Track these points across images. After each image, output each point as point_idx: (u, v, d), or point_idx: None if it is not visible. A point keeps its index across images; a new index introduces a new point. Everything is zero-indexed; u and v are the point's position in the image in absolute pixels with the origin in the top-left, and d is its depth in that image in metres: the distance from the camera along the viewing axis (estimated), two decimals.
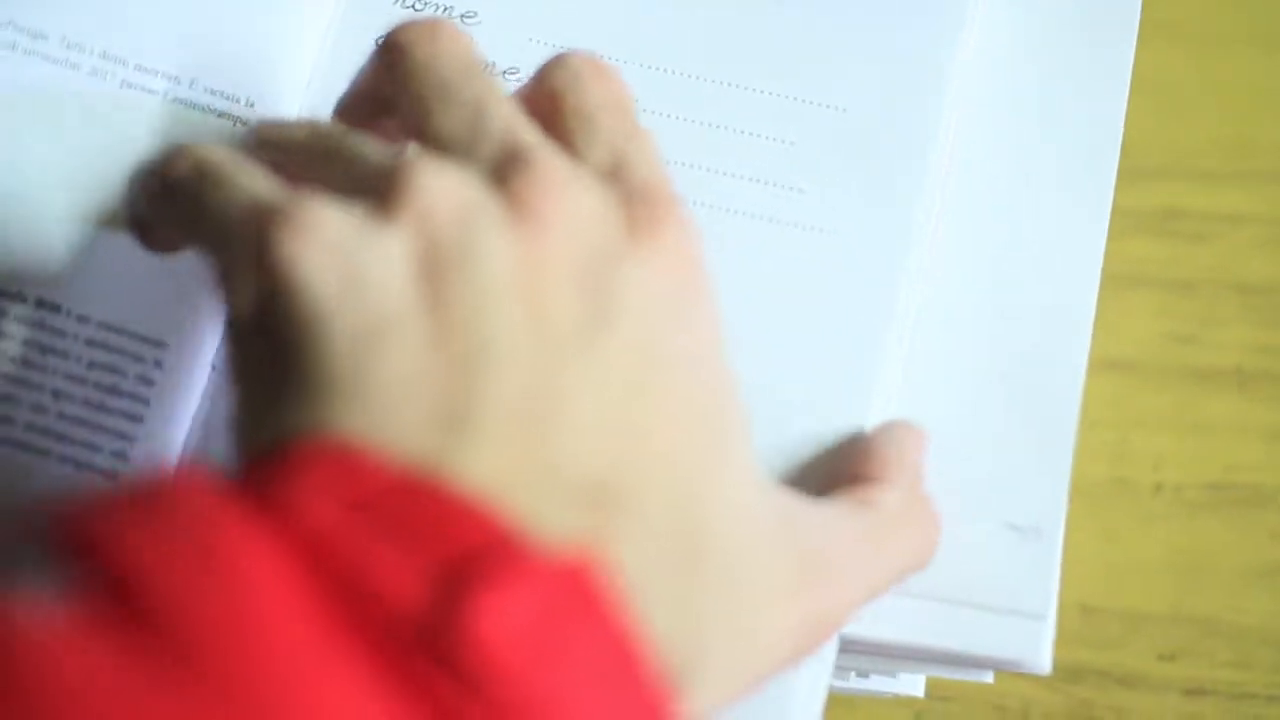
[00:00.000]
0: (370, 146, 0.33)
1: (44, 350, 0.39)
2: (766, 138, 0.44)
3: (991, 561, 0.39)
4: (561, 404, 0.29)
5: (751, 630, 0.32)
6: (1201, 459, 0.52)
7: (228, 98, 0.42)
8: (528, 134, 0.32)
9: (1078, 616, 0.50)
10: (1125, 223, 0.54)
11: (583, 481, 0.29)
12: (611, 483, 0.30)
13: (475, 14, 0.45)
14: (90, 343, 0.39)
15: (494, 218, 0.30)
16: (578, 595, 0.28)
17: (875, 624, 0.38)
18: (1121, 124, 0.46)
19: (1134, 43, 0.47)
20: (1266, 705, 0.49)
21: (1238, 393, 0.53)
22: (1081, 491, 0.48)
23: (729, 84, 0.44)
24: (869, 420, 0.40)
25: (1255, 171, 0.56)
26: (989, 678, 0.41)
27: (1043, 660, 0.38)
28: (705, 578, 0.31)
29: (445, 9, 0.45)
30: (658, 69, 0.44)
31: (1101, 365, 0.51)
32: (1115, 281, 0.52)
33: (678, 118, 0.43)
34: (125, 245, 0.38)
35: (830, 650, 0.38)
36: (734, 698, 0.32)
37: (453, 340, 0.29)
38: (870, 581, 0.35)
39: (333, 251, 0.29)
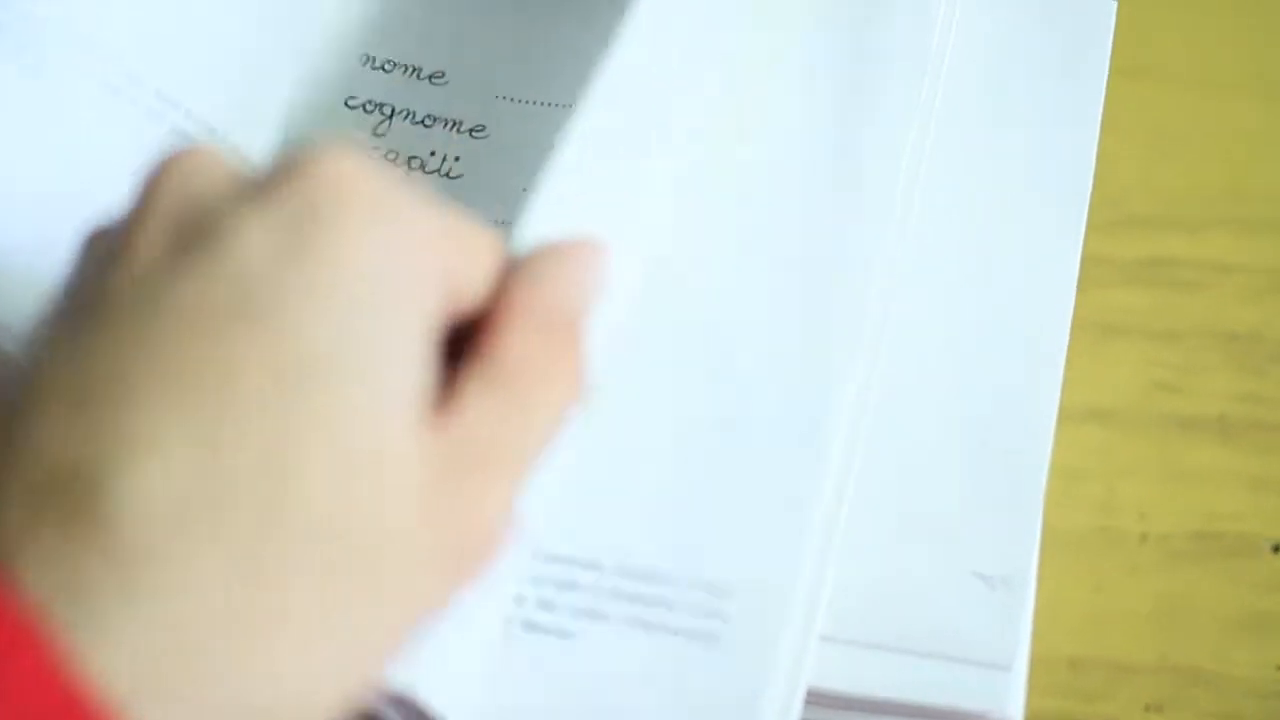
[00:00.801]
0: None
1: None
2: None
3: (959, 612, 0.39)
4: None
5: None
6: (1187, 508, 0.51)
7: None
8: None
9: (1064, 668, 0.49)
10: (1111, 271, 0.54)
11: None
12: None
13: (443, 74, 0.46)
14: None
15: None
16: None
17: (842, 677, 0.38)
18: (1091, 171, 0.47)
19: (1103, 89, 0.47)
20: None
21: (1222, 442, 0.52)
22: (1067, 541, 0.49)
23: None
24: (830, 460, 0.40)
25: (1242, 219, 0.56)
26: None
27: (1011, 712, 0.38)
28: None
29: (413, 70, 0.46)
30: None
31: (1085, 415, 0.52)
32: (1100, 330, 0.53)
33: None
34: None
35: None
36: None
37: None
38: (510, 467, 0.32)
39: None
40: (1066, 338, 0.44)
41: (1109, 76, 0.48)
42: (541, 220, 0.37)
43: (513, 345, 0.32)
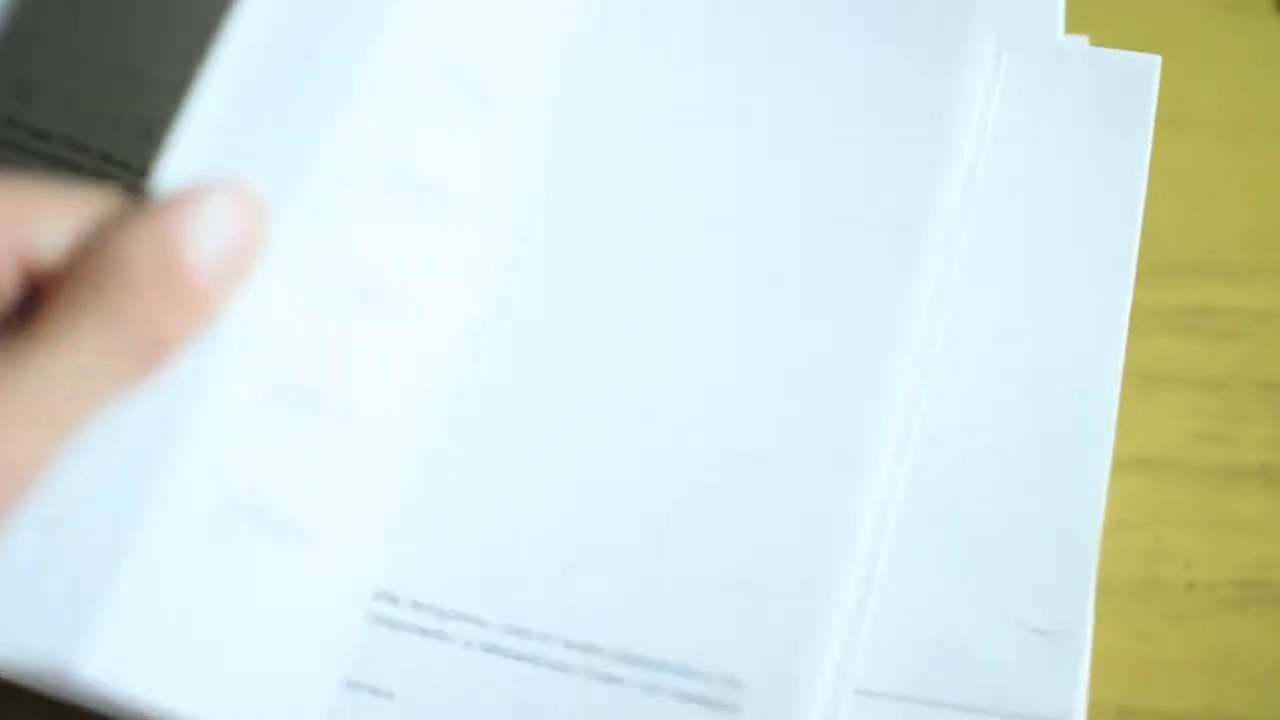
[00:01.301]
0: None
1: None
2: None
3: (1016, 667, 0.39)
4: None
5: None
6: (1232, 557, 0.51)
7: None
8: None
9: (1113, 718, 0.49)
10: (1151, 320, 0.54)
11: None
12: None
13: None
14: None
15: None
16: None
17: None
18: (1139, 220, 0.47)
19: (1150, 137, 0.47)
20: None
21: (1266, 490, 0.52)
22: (1113, 591, 0.48)
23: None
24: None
25: None
26: None
27: None
28: None
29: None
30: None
31: (1129, 464, 0.52)
32: (1142, 379, 0.53)
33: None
34: None
35: None
36: None
37: None
38: (34, 420, 0.32)
39: None
40: (1118, 389, 0.44)
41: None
42: (176, 168, 0.35)
43: (61, 296, 0.32)
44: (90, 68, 0.46)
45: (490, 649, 0.39)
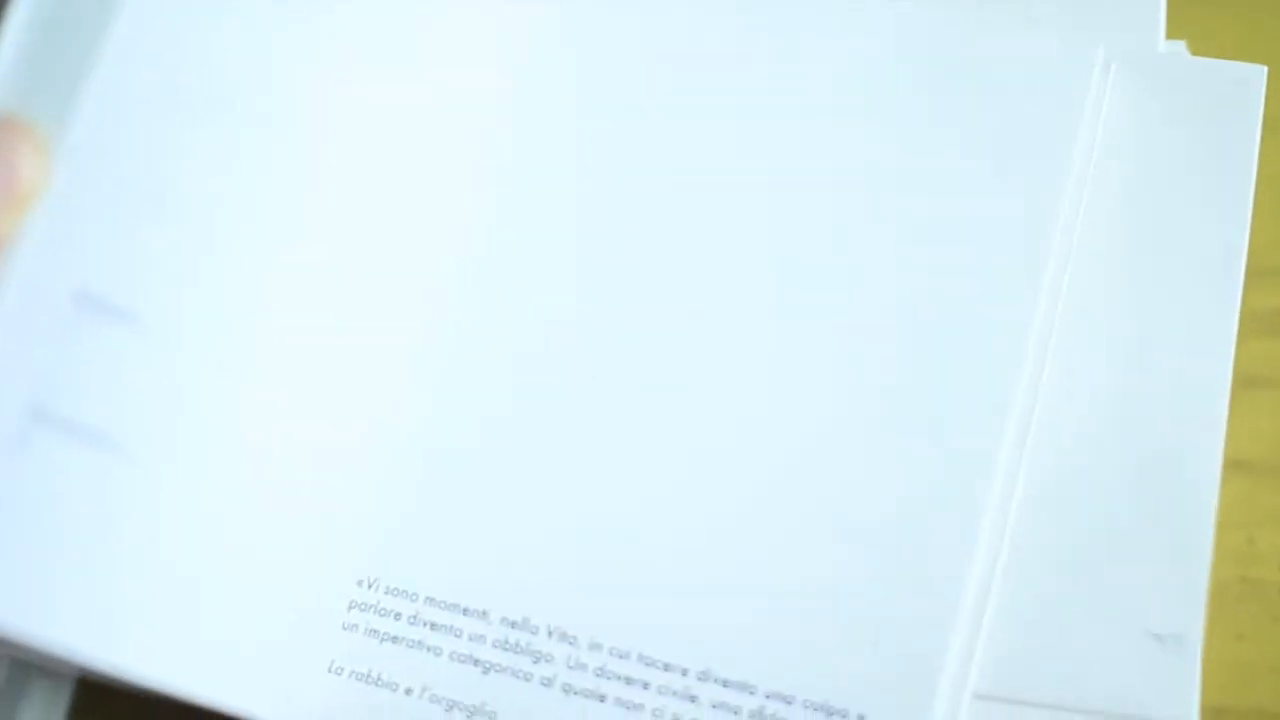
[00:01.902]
0: None
1: None
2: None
3: (1134, 672, 0.40)
4: None
5: None
6: None
7: None
8: None
9: (1211, 718, 0.49)
10: (1250, 323, 0.54)
11: None
12: None
13: None
14: None
15: None
16: None
17: None
18: (1248, 222, 0.48)
19: (1256, 145, 0.48)
20: None
21: None
22: (1211, 592, 0.48)
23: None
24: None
25: None
26: None
27: None
28: None
29: None
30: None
31: (1227, 466, 0.51)
32: (1240, 381, 0.52)
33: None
34: None
35: None
36: None
37: None
38: None
39: None
40: (1228, 391, 0.44)
41: None
42: None
43: None
44: None
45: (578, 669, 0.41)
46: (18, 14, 0.37)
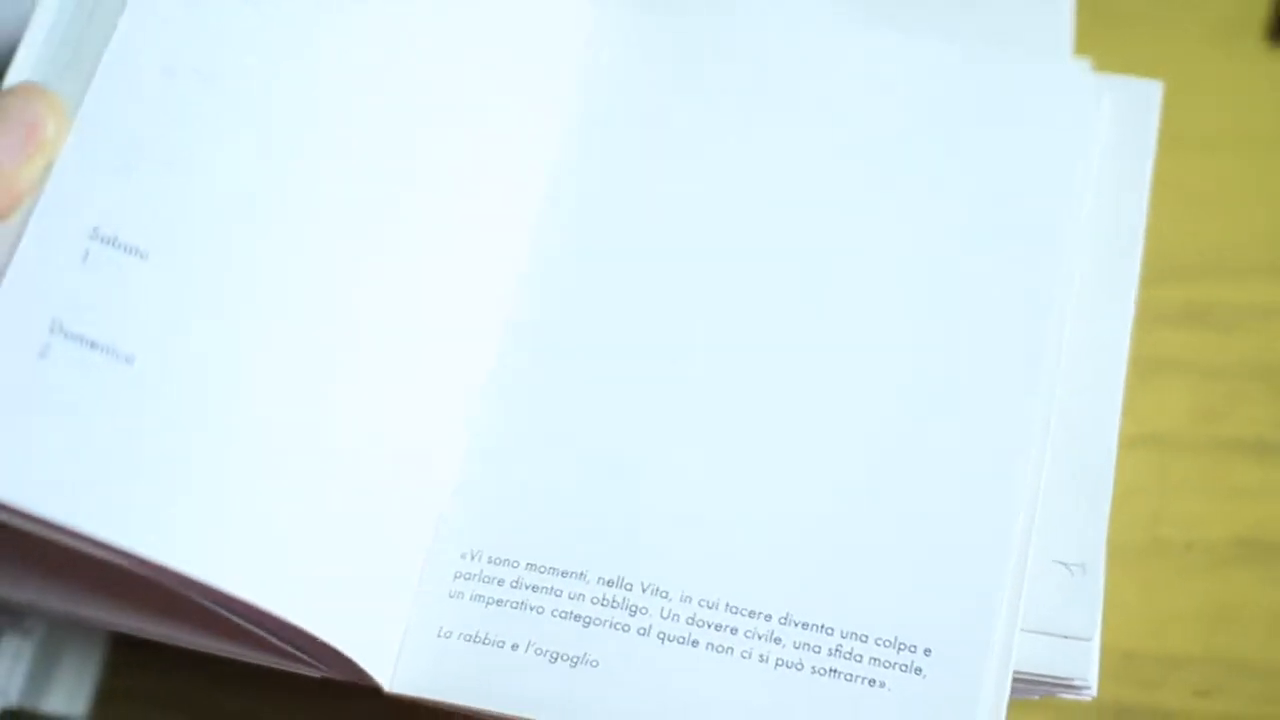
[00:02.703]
0: None
1: None
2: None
3: (1048, 594, 0.45)
4: None
5: None
6: (1230, 520, 0.56)
7: None
8: None
9: (1121, 661, 0.54)
10: (1161, 315, 0.58)
11: None
12: None
13: None
14: None
15: None
16: None
17: None
18: (1142, 231, 0.51)
19: (1153, 153, 0.52)
20: None
21: (1261, 461, 0.57)
22: (1123, 551, 0.52)
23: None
24: None
25: (1275, 265, 0.60)
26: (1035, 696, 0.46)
27: (1090, 676, 0.44)
28: None
29: None
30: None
31: (1140, 440, 0.56)
32: (1152, 367, 0.58)
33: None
34: None
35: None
36: None
37: None
38: None
39: None
40: (1124, 365, 0.49)
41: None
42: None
43: None
44: None
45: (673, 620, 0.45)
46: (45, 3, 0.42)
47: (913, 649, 0.44)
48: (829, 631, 0.44)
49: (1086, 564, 0.45)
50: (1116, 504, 0.48)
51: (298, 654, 0.44)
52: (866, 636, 0.44)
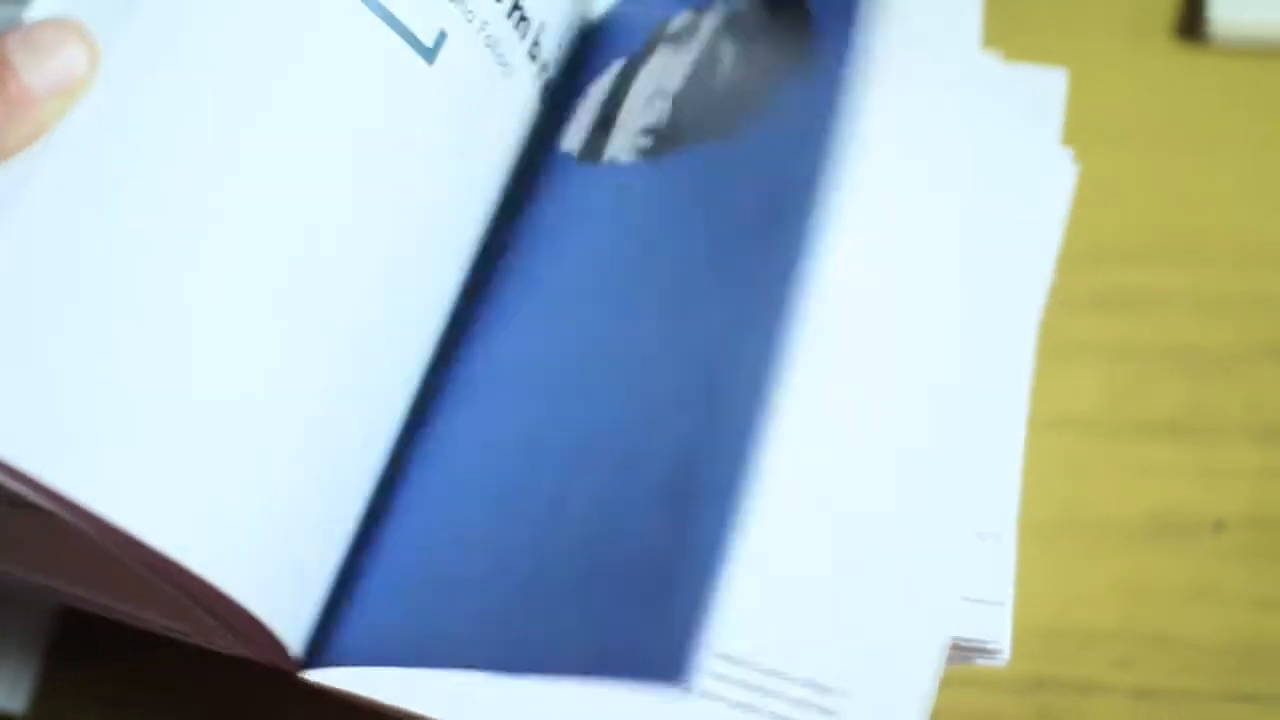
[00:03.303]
0: None
1: None
2: None
3: (962, 562, 0.46)
4: None
5: None
6: (1142, 498, 0.57)
7: None
8: None
9: (1037, 637, 0.55)
10: (1072, 300, 0.60)
11: None
12: None
13: None
14: None
15: None
16: None
17: None
18: (1060, 217, 0.53)
19: (1058, 140, 0.53)
20: (1211, 703, 0.54)
21: (1173, 441, 0.58)
22: (1037, 531, 0.54)
23: None
24: None
25: (1181, 252, 0.62)
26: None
27: (1004, 641, 0.46)
28: None
29: None
30: None
31: (1053, 423, 0.58)
32: (1063, 351, 0.59)
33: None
34: None
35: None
36: None
37: None
38: None
39: None
40: (1033, 346, 0.50)
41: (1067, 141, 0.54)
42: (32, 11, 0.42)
43: None
44: None
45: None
46: None
47: (829, 691, 0.44)
48: (750, 667, 0.45)
49: (999, 533, 0.46)
50: (1031, 486, 0.49)
51: (214, 622, 0.44)
52: (785, 675, 0.45)
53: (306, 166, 0.43)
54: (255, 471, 0.42)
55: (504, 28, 0.48)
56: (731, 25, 0.51)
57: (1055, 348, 0.57)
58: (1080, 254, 0.59)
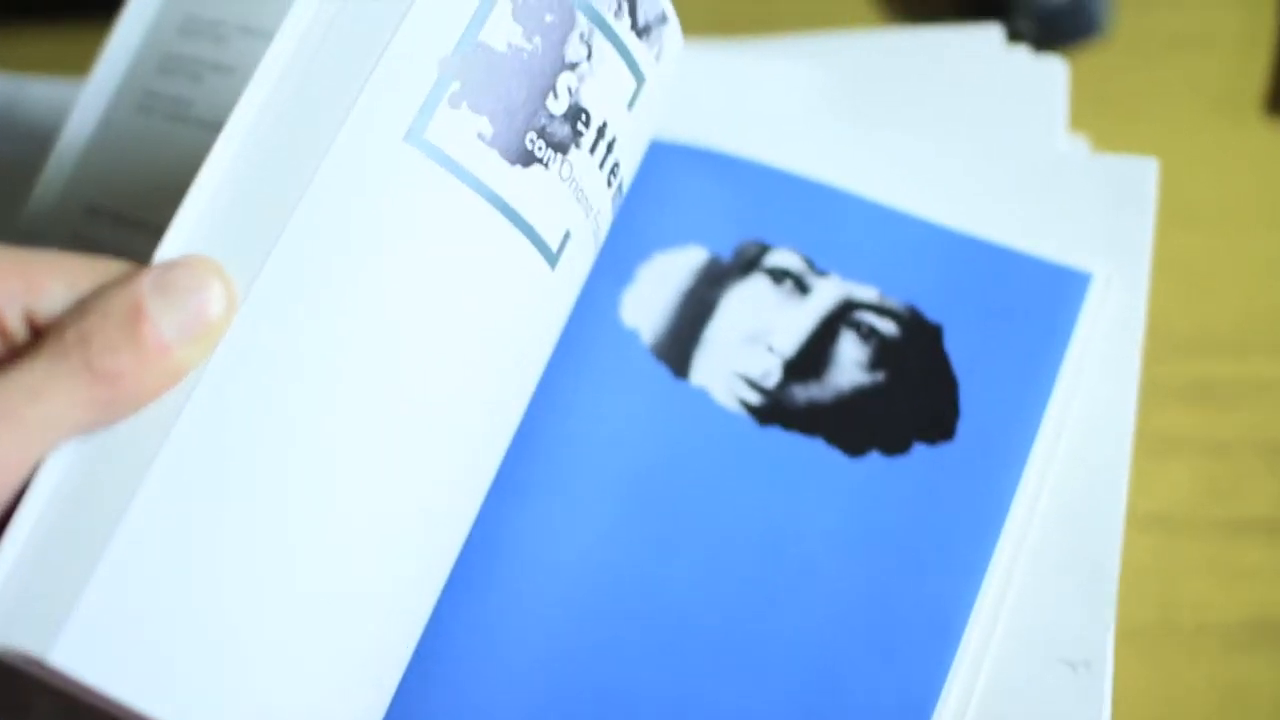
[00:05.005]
0: None
1: None
2: None
3: (1049, 693, 0.44)
4: None
5: None
6: (1240, 601, 0.55)
7: None
8: None
9: None
10: (1162, 394, 0.58)
11: None
12: None
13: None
14: None
15: None
16: None
17: None
18: (1144, 303, 0.51)
19: (1150, 232, 0.52)
20: None
21: (1270, 541, 0.56)
22: (1132, 634, 0.52)
23: None
24: None
25: (1277, 341, 0.60)
26: None
27: None
28: None
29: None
30: None
31: (1146, 521, 0.56)
32: (1155, 446, 0.57)
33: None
34: None
35: None
36: None
37: None
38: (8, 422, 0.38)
39: None
40: (1130, 451, 0.49)
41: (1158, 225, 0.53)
42: (170, 246, 0.40)
43: (45, 338, 0.39)
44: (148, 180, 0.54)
45: None
46: (212, 172, 0.40)
47: None
48: None
49: (1091, 661, 0.45)
50: (1125, 586, 0.48)
51: None
52: None
53: (436, 395, 0.42)
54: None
55: (608, 209, 0.47)
56: (856, 322, 0.52)
57: (1146, 442, 0.55)
58: (1171, 343, 0.58)
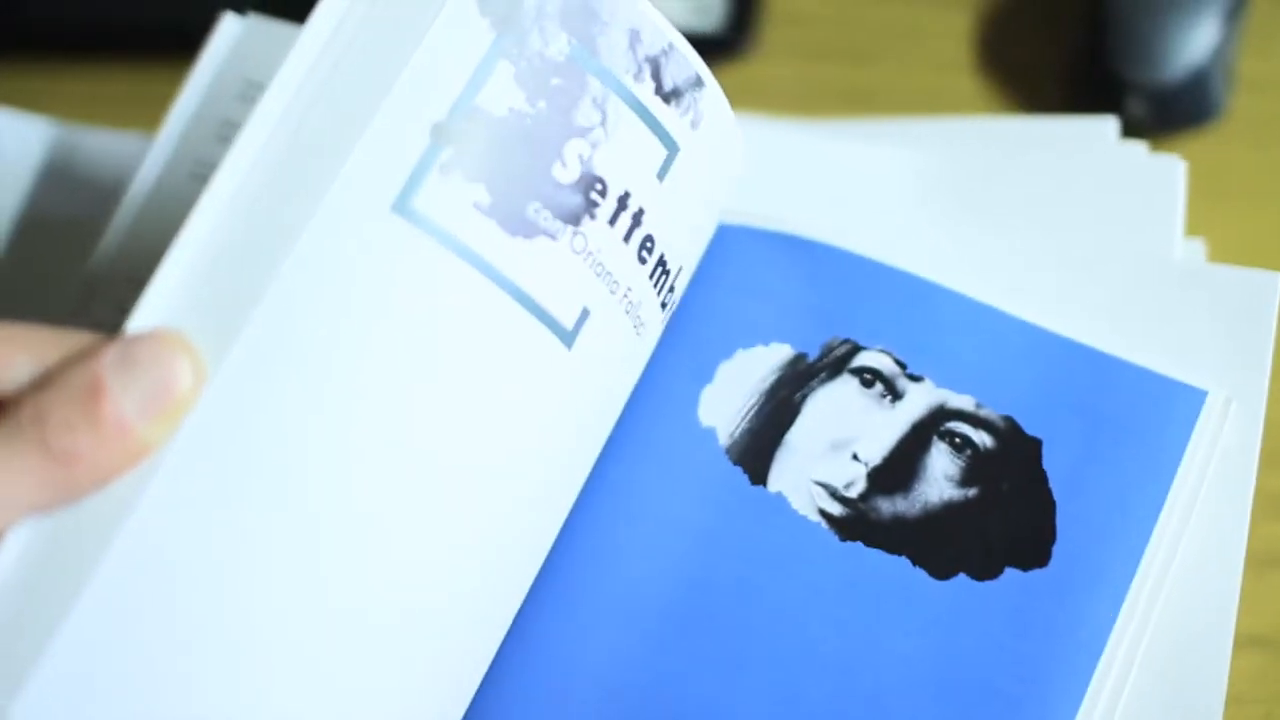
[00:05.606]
0: None
1: None
2: None
3: None
4: None
5: None
6: None
7: None
8: None
9: None
10: (1268, 505, 0.55)
11: None
12: None
13: None
14: None
15: None
16: None
17: None
18: (1261, 416, 0.49)
19: (1271, 346, 0.50)
20: None
21: None
22: None
23: None
24: None
25: None
26: None
27: None
28: None
29: None
30: None
31: (1246, 642, 0.53)
32: (1258, 562, 0.54)
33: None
34: None
35: None
36: None
37: None
38: None
39: None
40: (1240, 572, 0.47)
41: None
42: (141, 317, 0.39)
43: (18, 405, 0.37)
44: None
45: None
46: (189, 241, 0.39)
47: None
48: None
49: None
50: (1228, 712, 0.46)
51: None
52: None
53: (441, 481, 0.41)
54: None
55: (645, 288, 0.45)
56: (949, 433, 0.50)
57: (1250, 558, 0.51)
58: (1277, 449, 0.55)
